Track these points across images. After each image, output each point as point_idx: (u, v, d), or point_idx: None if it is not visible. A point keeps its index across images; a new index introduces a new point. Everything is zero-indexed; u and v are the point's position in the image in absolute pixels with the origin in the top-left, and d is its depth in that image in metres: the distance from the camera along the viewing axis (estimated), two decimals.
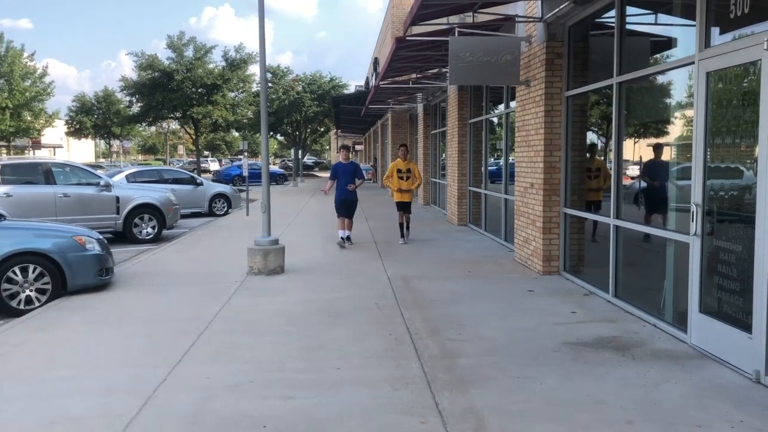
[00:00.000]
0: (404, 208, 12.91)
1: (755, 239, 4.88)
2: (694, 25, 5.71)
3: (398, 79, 17.25)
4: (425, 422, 4.31)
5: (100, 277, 8.53)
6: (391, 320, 6.88)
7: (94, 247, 8.50)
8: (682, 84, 6.34)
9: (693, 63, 5.71)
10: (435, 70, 15.12)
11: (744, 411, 4.38)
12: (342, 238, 12.43)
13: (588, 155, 8.96)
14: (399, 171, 12.84)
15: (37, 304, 7.96)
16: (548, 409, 4.47)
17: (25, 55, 46.27)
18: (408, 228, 13.05)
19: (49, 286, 8.10)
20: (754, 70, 4.97)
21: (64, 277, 8.16)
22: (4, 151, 49.87)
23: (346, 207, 12.39)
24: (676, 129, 6.57)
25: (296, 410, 4.52)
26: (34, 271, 8.02)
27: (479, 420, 4.32)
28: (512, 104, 11.20)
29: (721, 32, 5.51)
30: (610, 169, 7.60)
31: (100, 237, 8.93)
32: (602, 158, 8.35)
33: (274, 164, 68.74)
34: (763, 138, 4.75)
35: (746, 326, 5.01)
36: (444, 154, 18.40)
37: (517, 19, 9.66)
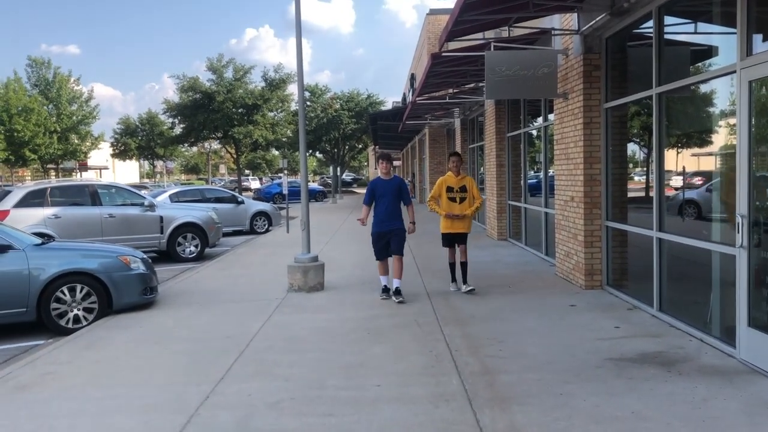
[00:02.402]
0: (457, 240, 9.11)
1: None
2: (734, 33, 5.61)
3: (435, 95, 17.27)
4: None
5: (144, 296, 8.70)
6: (431, 337, 6.85)
7: (139, 267, 8.68)
8: (724, 92, 6.21)
9: (734, 72, 5.60)
10: (471, 85, 15.10)
11: None
12: (385, 286, 8.95)
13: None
14: (450, 189, 9.08)
15: (84, 323, 8.15)
16: (592, 427, 4.39)
17: (72, 79, 47.95)
18: (465, 272, 9.12)
19: (95, 305, 8.28)
20: None
21: (110, 296, 8.34)
22: (53, 173, 51.46)
23: (387, 243, 8.80)
24: (720, 138, 6.44)
25: (337, 428, 4.53)
26: (81, 291, 8.21)
27: None
28: (550, 117, 11.12)
29: (764, 39, 5.41)
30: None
31: (145, 256, 9.12)
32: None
33: (313, 181, 69.40)
34: None
35: None
36: (482, 169, 18.31)
37: (553, 32, 9.62)
